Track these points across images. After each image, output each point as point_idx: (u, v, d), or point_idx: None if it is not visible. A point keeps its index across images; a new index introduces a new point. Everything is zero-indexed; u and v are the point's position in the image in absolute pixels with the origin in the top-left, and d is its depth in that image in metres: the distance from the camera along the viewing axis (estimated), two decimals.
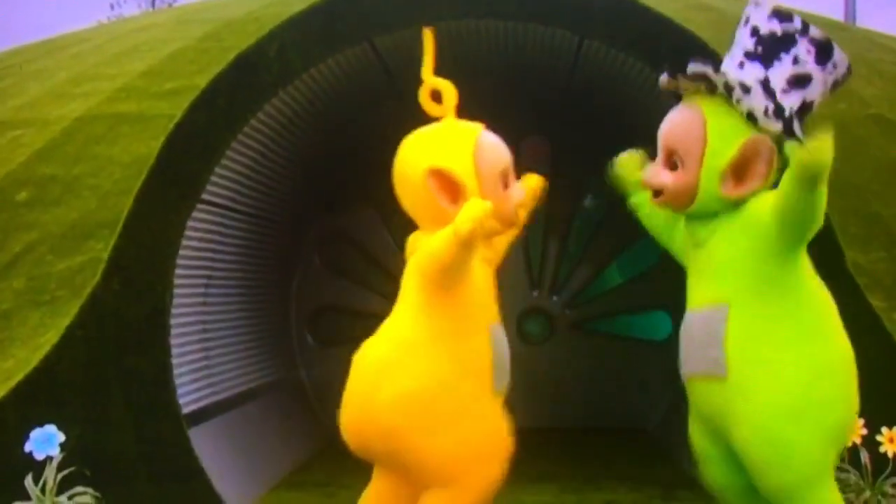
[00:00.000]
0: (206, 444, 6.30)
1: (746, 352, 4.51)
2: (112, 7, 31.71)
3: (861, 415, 5.75)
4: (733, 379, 4.52)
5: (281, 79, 6.63)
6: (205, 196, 6.43)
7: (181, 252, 6.22)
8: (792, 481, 4.48)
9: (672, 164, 4.71)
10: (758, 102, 4.54)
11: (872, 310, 6.37)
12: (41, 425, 5.52)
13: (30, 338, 6.00)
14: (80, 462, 5.61)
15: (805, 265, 4.65)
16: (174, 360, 6.14)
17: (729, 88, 4.58)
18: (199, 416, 6.47)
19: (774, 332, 4.51)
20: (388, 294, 11.07)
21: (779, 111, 4.54)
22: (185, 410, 6.21)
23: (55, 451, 5.50)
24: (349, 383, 4.73)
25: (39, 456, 5.50)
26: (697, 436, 4.86)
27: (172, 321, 6.16)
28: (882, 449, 5.80)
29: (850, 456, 5.82)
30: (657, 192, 4.78)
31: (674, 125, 4.78)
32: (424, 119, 4.90)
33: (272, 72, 6.57)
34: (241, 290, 7.79)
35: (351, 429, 4.73)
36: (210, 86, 6.45)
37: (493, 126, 5.02)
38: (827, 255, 6.33)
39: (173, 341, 6.16)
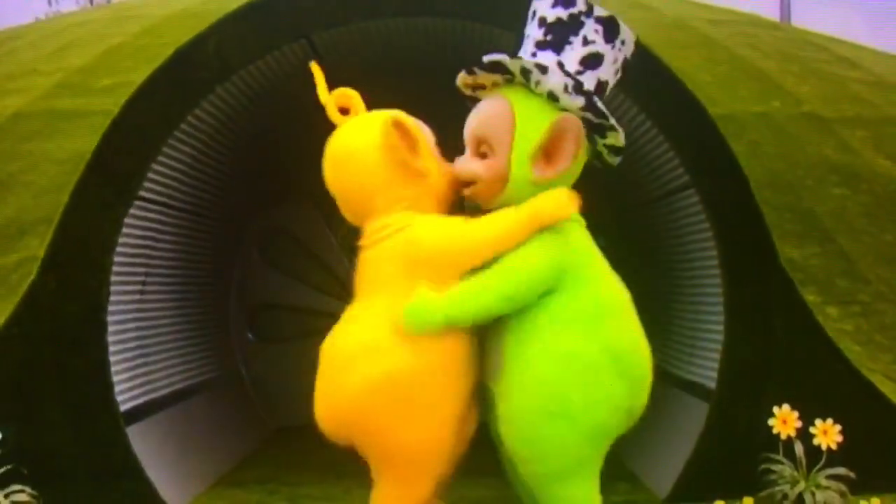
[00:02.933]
0: (144, 442, 6.26)
1: (515, 355, 4.59)
2: (49, 3, 31.25)
3: (795, 408, 5.87)
4: (503, 382, 4.62)
5: (219, 75, 6.60)
6: (142, 193, 6.38)
7: (118, 249, 6.18)
8: (545, 474, 4.61)
9: (481, 155, 4.77)
10: (556, 81, 4.61)
11: (806, 305, 6.47)
12: None
13: None
14: (16, 460, 5.56)
15: (587, 263, 4.73)
16: (112, 358, 6.09)
17: (526, 72, 4.64)
18: (137, 414, 6.42)
19: (543, 332, 4.56)
20: (328, 290, 11.10)
21: (578, 86, 4.62)
22: (124, 408, 6.17)
23: None
24: (323, 367, 4.70)
25: None
26: (492, 428, 4.91)
27: (110, 318, 6.11)
28: (816, 441, 5.87)
29: (785, 448, 5.91)
30: (467, 183, 4.82)
31: (481, 115, 4.83)
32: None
33: (210, 68, 6.53)
34: (180, 288, 7.74)
35: (324, 412, 4.70)
36: (147, 82, 6.40)
37: (431, 125, 5.07)
38: (761, 251, 6.44)
39: (111, 339, 6.11)
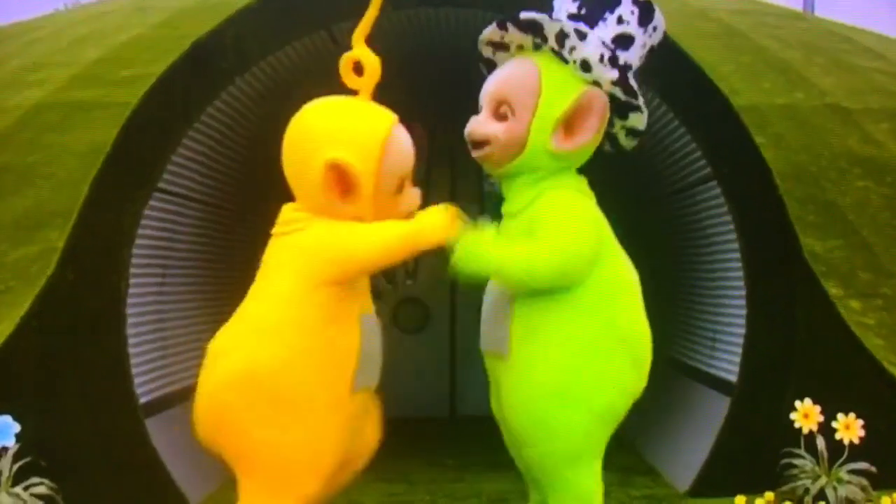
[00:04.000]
0: (163, 434, 6.26)
1: (527, 332, 4.49)
2: None
3: (817, 402, 5.83)
4: (513, 358, 4.52)
5: (237, 66, 6.59)
6: (161, 185, 6.38)
7: (137, 241, 6.17)
8: (552, 455, 4.52)
9: (501, 116, 4.61)
10: (593, 49, 4.51)
11: (828, 297, 6.43)
12: None
13: None
14: (35, 453, 5.56)
15: (607, 242, 4.61)
16: (131, 350, 6.09)
17: (563, 36, 4.53)
18: (156, 406, 6.42)
19: (554, 313, 4.46)
20: None
21: (614, 59, 4.53)
22: (142, 400, 6.18)
23: (11, 442, 5.45)
24: (203, 364, 4.42)
25: None
26: (495, 407, 4.83)
27: (129, 311, 6.11)
28: (838, 436, 5.83)
29: (807, 443, 5.87)
30: (480, 144, 4.65)
31: (506, 76, 4.68)
32: (383, 105, 4.77)
33: (228, 59, 6.52)
34: (198, 279, 7.73)
35: (196, 416, 4.40)
36: (166, 74, 6.39)
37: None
38: (783, 244, 6.40)
39: (129, 331, 6.11)
